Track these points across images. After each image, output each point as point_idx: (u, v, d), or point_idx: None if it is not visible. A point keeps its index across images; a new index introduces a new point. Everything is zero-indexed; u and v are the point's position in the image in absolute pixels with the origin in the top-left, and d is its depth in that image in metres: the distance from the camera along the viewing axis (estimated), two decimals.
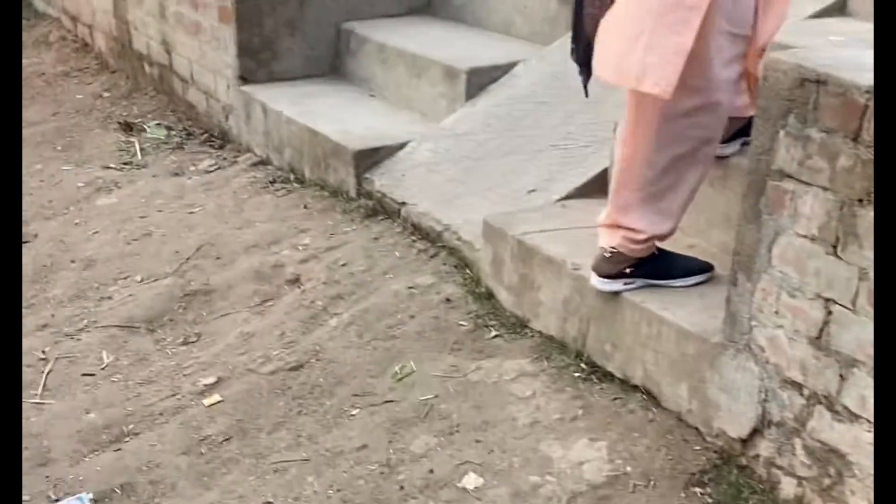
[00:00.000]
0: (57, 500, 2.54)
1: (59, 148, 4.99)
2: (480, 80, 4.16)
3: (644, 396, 2.63)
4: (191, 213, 4.10)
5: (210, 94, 4.92)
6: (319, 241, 3.71)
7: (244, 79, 4.60)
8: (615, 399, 2.65)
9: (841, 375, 2.09)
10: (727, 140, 2.75)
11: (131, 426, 2.84)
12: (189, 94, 5.14)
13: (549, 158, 3.64)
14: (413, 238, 3.59)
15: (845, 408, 2.09)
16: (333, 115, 4.32)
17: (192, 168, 4.59)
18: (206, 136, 4.95)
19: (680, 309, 2.59)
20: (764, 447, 2.32)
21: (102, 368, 3.15)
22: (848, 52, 2.19)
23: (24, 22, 6.88)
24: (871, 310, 1.97)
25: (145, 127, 5.08)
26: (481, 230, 3.26)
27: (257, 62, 4.61)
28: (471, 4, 4.83)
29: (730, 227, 2.54)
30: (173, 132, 5.03)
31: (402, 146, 4.02)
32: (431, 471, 2.50)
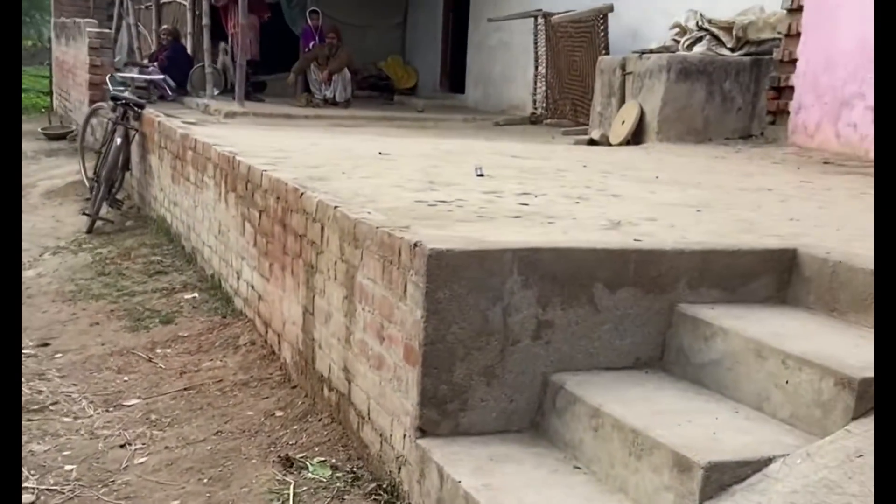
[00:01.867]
0: None
1: (206, 480, 4.25)
2: (721, 478, 3.12)
3: None
4: None
5: (385, 439, 4.10)
6: None
7: (423, 430, 3.75)
8: None
9: None
10: None
11: None
12: (364, 431, 4.35)
13: None
14: None
15: None
16: (523, 496, 3.37)
17: None
18: (374, 486, 4.09)
19: None
20: None
21: None
22: None
23: (220, 318, 6.52)
24: None
25: (308, 464, 4.30)
26: None
27: (442, 413, 3.76)
28: (714, 366, 3.85)
29: None
30: (338, 474, 4.22)
31: None
32: None
